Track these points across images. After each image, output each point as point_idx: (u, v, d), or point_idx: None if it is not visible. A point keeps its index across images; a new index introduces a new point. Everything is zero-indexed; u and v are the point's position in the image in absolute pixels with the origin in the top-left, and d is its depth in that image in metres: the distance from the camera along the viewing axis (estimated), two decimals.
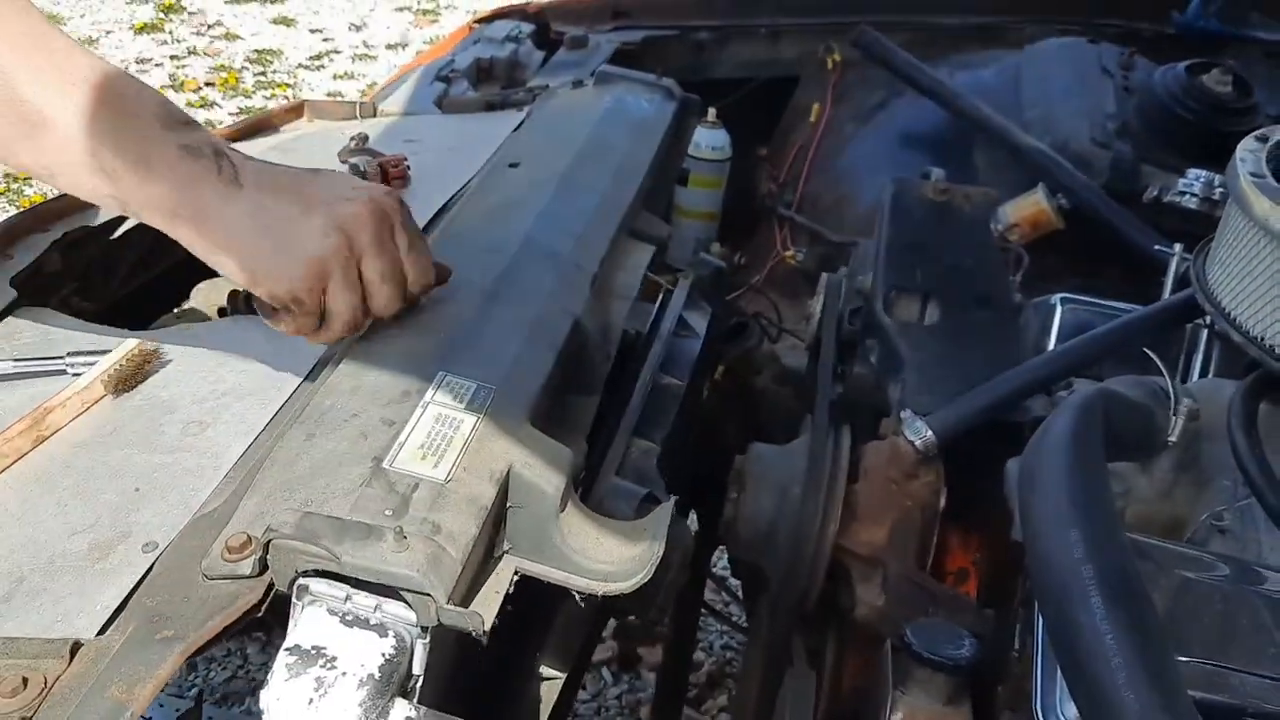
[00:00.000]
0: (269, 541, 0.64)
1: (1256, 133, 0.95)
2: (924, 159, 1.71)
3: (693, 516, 1.58)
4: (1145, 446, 0.95)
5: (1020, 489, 0.84)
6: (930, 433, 1.05)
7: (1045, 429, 0.82)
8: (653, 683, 2.26)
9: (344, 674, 0.60)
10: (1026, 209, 1.49)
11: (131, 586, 0.69)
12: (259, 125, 1.48)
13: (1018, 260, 1.34)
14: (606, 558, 0.74)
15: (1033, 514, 0.77)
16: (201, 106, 5.13)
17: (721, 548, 1.30)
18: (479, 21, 1.96)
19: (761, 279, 1.75)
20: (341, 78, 5.68)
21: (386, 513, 0.67)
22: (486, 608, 0.69)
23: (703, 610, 1.78)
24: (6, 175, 4.26)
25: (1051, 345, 1.22)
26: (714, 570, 1.76)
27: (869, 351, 1.17)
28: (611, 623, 2.16)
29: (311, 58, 5.92)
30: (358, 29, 6.46)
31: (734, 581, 1.90)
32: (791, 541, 1.04)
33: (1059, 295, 1.24)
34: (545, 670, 0.95)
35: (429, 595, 0.63)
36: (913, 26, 1.86)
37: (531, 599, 0.76)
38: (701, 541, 1.50)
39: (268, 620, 0.68)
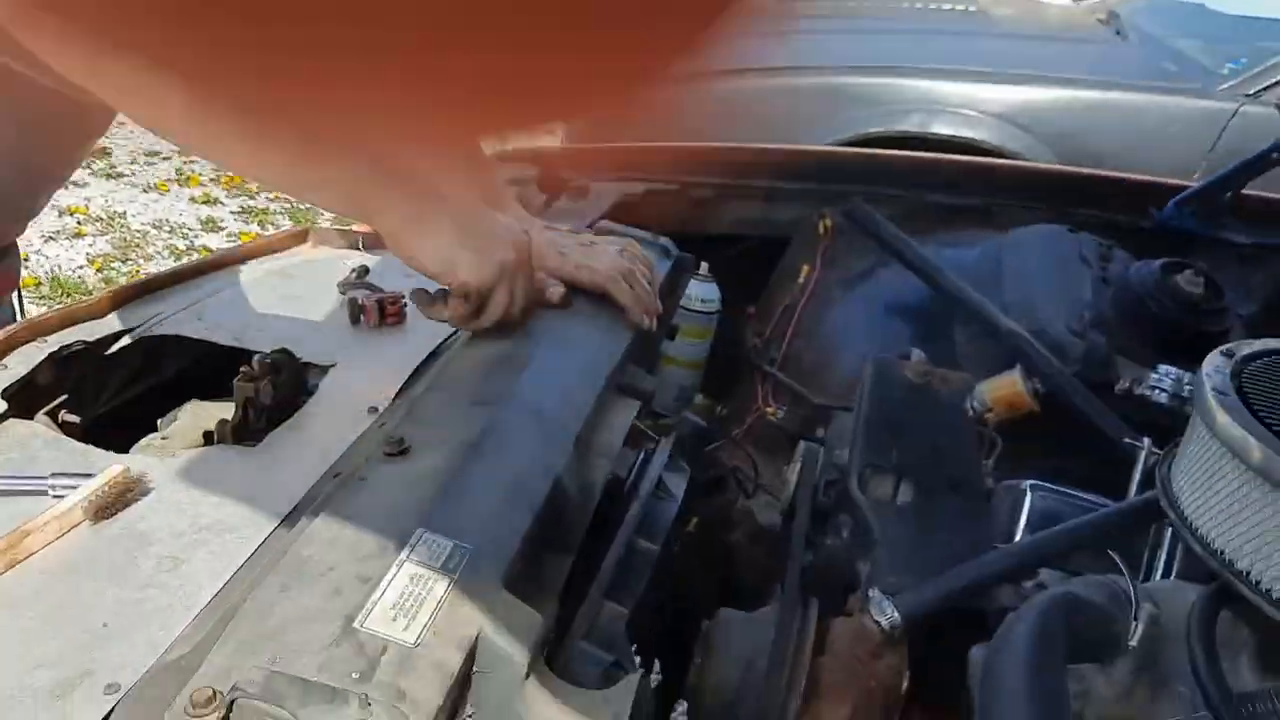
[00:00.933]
0: (234, 700, 0.64)
1: (1223, 348, 0.99)
2: (906, 331, 1.76)
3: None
4: (1105, 649, 0.96)
5: (981, 692, 0.85)
6: (896, 614, 1.06)
7: (1005, 635, 0.83)
8: None
9: None
10: (1003, 389, 1.53)
11: None
12: (263, 249, 1.51)
13: (991, 444, 1.37)
14: None
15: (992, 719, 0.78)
16: (205, 203, 5.21)
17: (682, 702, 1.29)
18: None
19: (741, 433, 1.77)
20: None
21: (353, 675, 0.67)
22: None
23: None
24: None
25: (1020, 531, 1.25)
26: None
27: (842, 525, 1.19)
28: None
29: None
30: None
31: None
32: (754, 717, 1.04)
33: (1029, 482, 1.27)
34: None
35: None
36: (904, 201, 1.93)
37: None
38: (663, 695, 1.48)
39: None
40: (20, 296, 1.51)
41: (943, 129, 3.68)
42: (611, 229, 1.48)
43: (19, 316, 1.47)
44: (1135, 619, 0.96)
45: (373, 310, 1.29)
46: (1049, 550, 1.09)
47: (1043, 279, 1.69)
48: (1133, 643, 0.97)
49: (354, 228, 1.59)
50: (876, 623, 1.07)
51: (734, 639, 1.11)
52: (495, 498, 0.88)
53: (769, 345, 1.86)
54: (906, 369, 1.24)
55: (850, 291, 1.86)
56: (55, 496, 0.92)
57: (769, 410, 1.75)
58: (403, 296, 1.31)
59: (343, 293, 1.36)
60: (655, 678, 1.58)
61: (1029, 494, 1.25)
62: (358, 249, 1.57)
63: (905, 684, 1.08)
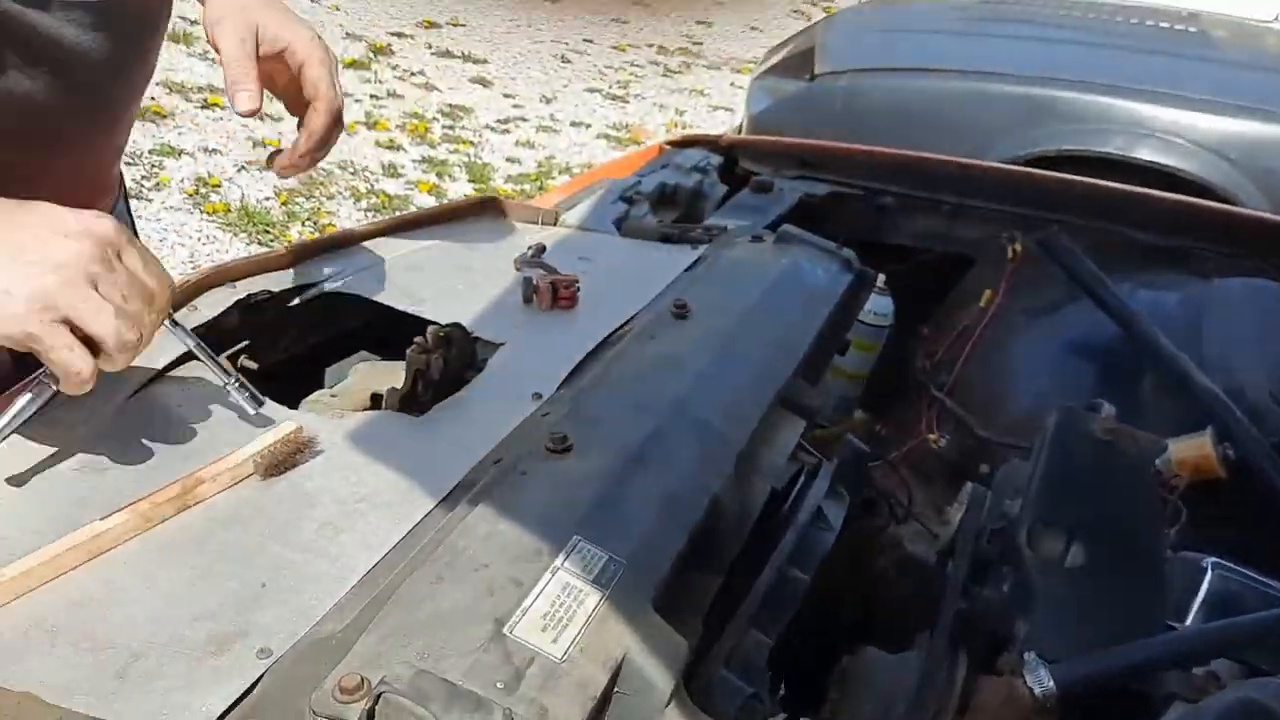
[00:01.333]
0: (380, 694, 0.64)
1: None
2: (1090, 374, 1.67)
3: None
4: None
5: None
6: (1052, 683, 1.00)
7: None
8: None
9: None
10: (1190, 451, 1.43)
11: (239, 694, 0.70)
12: (446, 214, 1.53)
13: (1175, 513, 1.28)
14: None
15: None
16: (389, 148, 5.37)
17: None
18: (670, 144, 2.00)
19: (899, 456, 1.71)
20: (523, 145, 5.89)
21: (499, 685, 0.66)
22: None
23: None
24: (199, 179, 4.50)
25: (1194, 611, 1.16)
26: None
27: (1003, 579, 1.12)
28: None
29: (499, 120, 6.16)
30: (547, 101, 6.70)
31: None
32: None
33: (1210, 560, 1.18)
34: None
35: None
36: (1101, 232, 1.83)
37: None
38: (789, 709, 1.45)
39: None
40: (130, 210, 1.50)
41: (1146, 155, 3.49)
42: (793, 235, 1.44)
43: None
44: None
45: (546, 292, 1.28)
46: (1230, 641, 1.01)
47: (1247, 337, 1.57)
48: None
49: (535, 203, 1.60)
50: (1030, 689, 1.01)
51: (875, 679, 1.07)
52: (652, 512, 0.86)
53: (939, 368, 1.79)
54: (1094, 423, 1.17)
55: (1034, 323, 1.77)
56: (230, 387, 0.98)
57: (931, 437, 1.69)
58: (577, 280, 1.30)
59: (518, 270, 1.36)
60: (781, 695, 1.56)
61: (1209, 572, 1.16)
62: (536, 224, 1.57)
63: None
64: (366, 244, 1.40)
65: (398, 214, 1.47)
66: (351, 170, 5.03)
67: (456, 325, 1.16)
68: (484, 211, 1.57)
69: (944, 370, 1.78)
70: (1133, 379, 1.57)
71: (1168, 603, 1.16)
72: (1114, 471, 1.14)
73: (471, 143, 5.74)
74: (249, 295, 1.20)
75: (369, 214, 4.63)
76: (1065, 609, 1.07)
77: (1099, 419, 1.16)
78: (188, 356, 1.07)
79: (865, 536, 1.46)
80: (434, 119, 5.93)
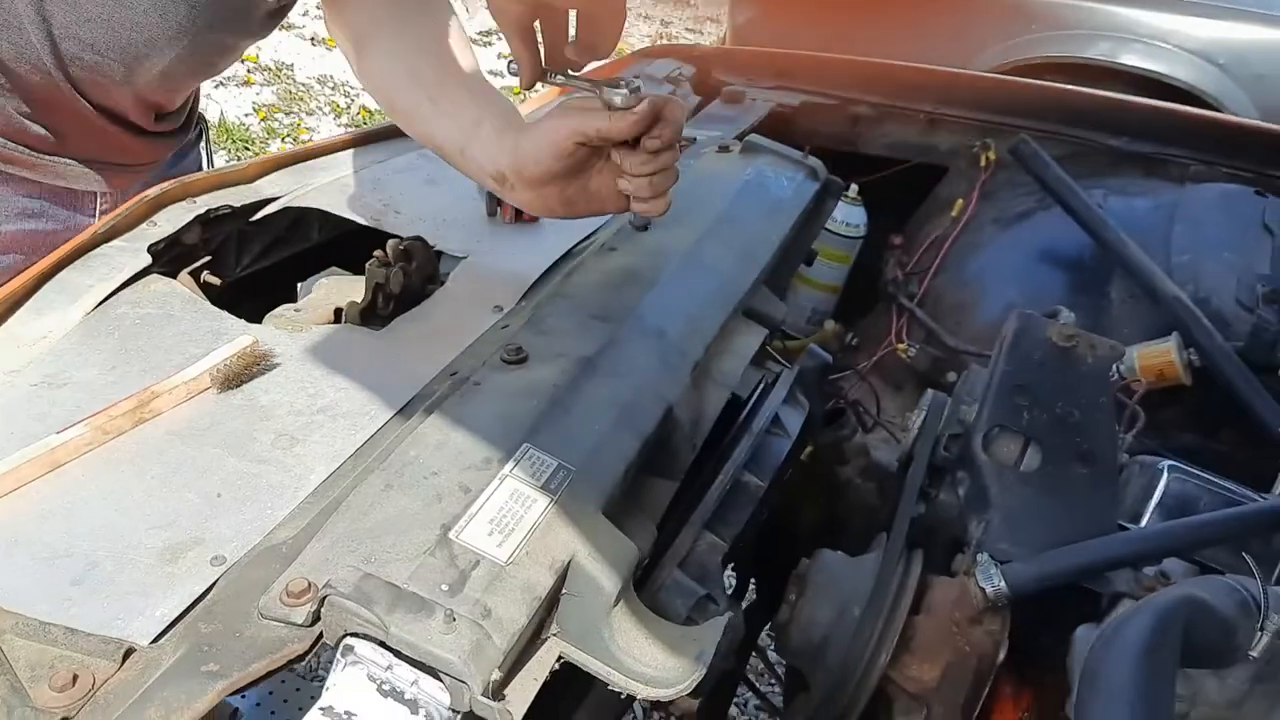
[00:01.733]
0: (325, 597, 0.65)
1: None
2: (1058, 282, 1.67)
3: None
4: (1223, 658, 0.91)
5: (1082, 683, 0.81)
6: (1004, 583, 1.02)
7: (1118, 630, 0.79)
8: None
9: None
10: (1155, 358, 1.44)
11: (192, 600, 0.72)
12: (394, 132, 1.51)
13: (1132, 418, 1.30)
14: (651, 661, 0.73)
15: (1089, 718, 0.74)
16: None
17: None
18: (642, 54, 1.97)
19: (868, 366, 1.73)
20: (507, 57, 5.78)
21: (443, 587, 0.68)
22: (521, 694, 0.70)
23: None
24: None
25: (1150, 513, 1.18)
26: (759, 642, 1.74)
27: (959, 482, 1.14)
28: None
29: (480, 33, 6.06)
30: None
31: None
32: (840, 662, 1.03)
33: (1166, 462, 1.19)
34: None
35: (465, 683, 0.64)
36: (1074, 140, 1.81)
37: (568, 675, 0.76)
38: (755, 615, 1.49)
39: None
40: (210, 148, 1.53)
41: (1132, 60, 3.44)
42: (759, 145, 1.43)
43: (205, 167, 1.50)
44: (1261, 629, 0.90)
45: (509, 206, 1.27)
46: (1180, 541, 1.03)
47: (1216, 243, 1.57)
48: (1254, 653, 0.91)
49: None
50: (981, 589, 1.03)
51: (831, 581, 1.09)
52: (605, 420, 0.87)
53: (910, 279, 1.79)
54: (1052, 329, 1.17)
55: (1004, 232, 1.77)
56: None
57: (901, 347, 1.70)
58: None
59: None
60: (750, 598, 1.59)
61: (1165, 474, 1.18)
62: None
63: (1001, 654, 1.05)
64: (332, 158, 1.39)
65: (363, 128, 1.45)
66: (331, 85, 4.95)
67: (417, 239, 1.16)
68: None
69: (915, 280, 1.78)
70: (1101, 286, 1.58)
71: (1121, 505, 1.18)
72: (1071, 377, 1.15)
73: None
74: (208, 210, 1.19)
75: (350, 129, 4.57)
76: (1019, 512, 1.09)
77: (1057, 325, 1.17)
78: (144, 273, 1.07)
79: (832, 444, 1.48)
80: None
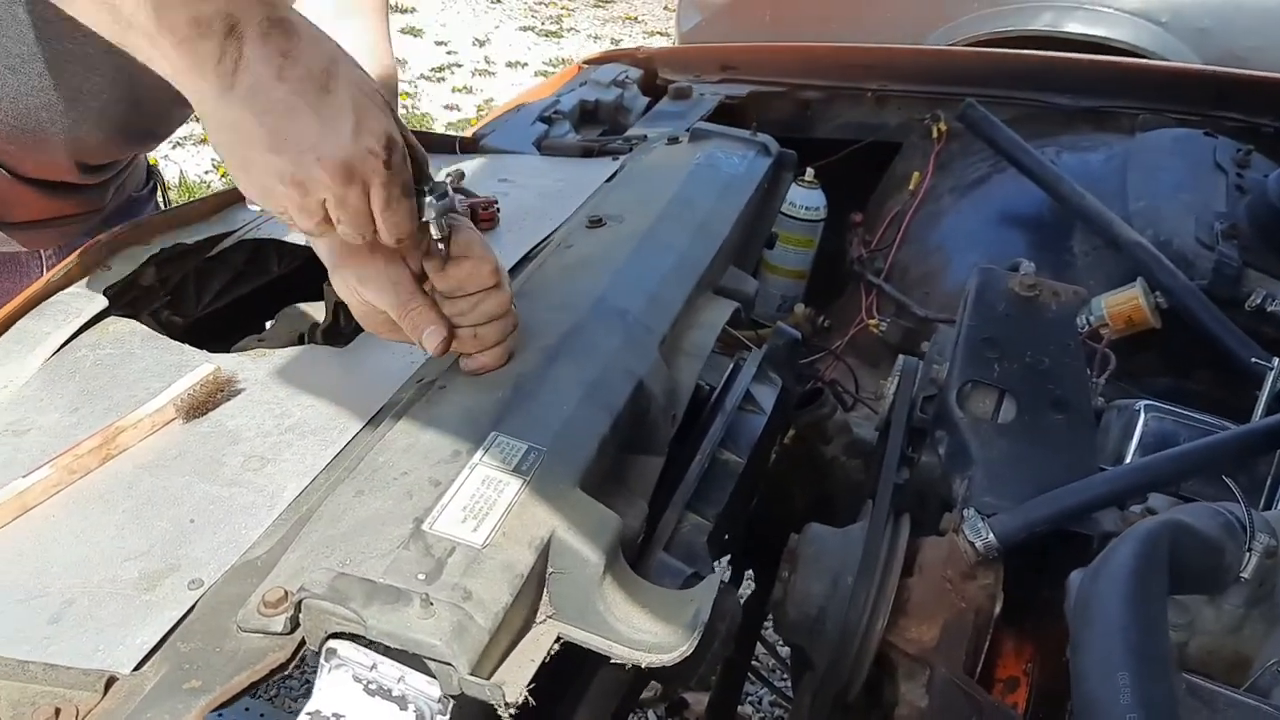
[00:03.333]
0: (300, 601, 0.65)
1: None
2: (1020, 241, 1.68)
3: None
4: (1214, 581, 0.90)
5: (1074, 618, 0.81)
6: (992, 535, 1.02)
7: (1104, 561, 0.79)
8: None
9: None
10: (1122, 304, 1.45)
11: (171, 625, 0.71)
12: None
13: (1104, 361, 1.30)
14: (650, 628, 0.73)
15: (1083, 650, 0.74)
16: None
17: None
18: (588, 63, 1.98)
19: (843, 345, 1.73)
20: (460, 91, 5.81)
21: (419, 576, 0.67)
22: (517, 675, 0.69)
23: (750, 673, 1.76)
24: None
25: (1131, 453, 1.18)
26: (764, 634, 1.74)
27: (938, 442, 1.14)
28: None
29: (434, 69, 6.07)
30: (481, 44, 6.60)
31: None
32: (838, 632, 1.02)
33: (1143, 402, 1.20)
34: None
35: (450, 665, 0.63)
36: (1022, 103, 1.83)
37: (570, 661, 0.76)
38: (756, 604, 1.48)
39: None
40: (166, 200, 1.52)
41: (1076, 27, 3.47)
42: (707, 130, 1.43)
43: None
44: (1249, 549, 0.90)
45: (465, 214, 1.27)
46: (1161, 474, 1.03)
47: (1171, 187, 1.59)
48: (1245, 575, 0.91)
49: (451, 133, 1.58)
50: (970, 543, 1.03)
51: (821, 553, 1.09)
52: (572, 400, 0.87)
53: (875, 255, 1.80)
54: (1013, 281, 1.18)
55: (962, 199, 1.77)
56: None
57: (872, 322, 1.70)
58: (495, 201, 1.30)
59: None
60: (748, 588, 1.58)
61: (1142, 414, 1.19)
62: (454, 152, 1.55)
63: (998, 607, 1.04)
64: None
65: None
66: None
67: None
68: None
69: (879, 257, 1.79)
70: (1062, 240, 1.59)
71: (1103, 449, 1.19)
72: (1038, 326, 1.15)
73: (407, 94, 5.65)
74: (162, 249, 1.18)
75: None
76: (1001, 464, 1.09)
77: (1018, 276, 1.18)
78: (101, 316, 1.07)
79: (814, 424, 1.48)
80: None
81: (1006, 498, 1.05)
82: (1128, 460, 1.18)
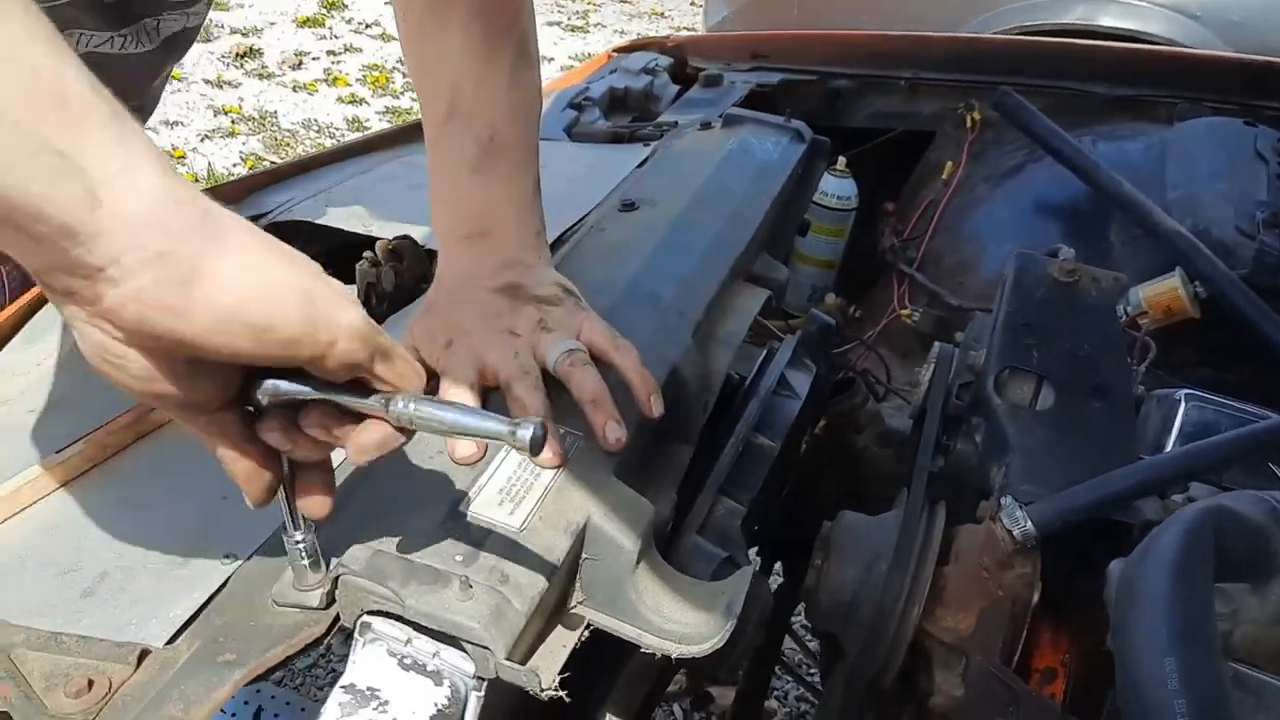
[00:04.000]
0: (338, 576, 0.64)
1: None
2: (1056, 231, 1.66)
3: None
4: (1259, 569, 0.88)
5: (1118, 604, 0.79)
6: (1030, 524, 1.00)
7: (1149, 544, 0.78)
8: None
9: (395, 719, 0.60)
10: (1161, 294, 1.43)
11: (205, 599, 0.70)
12: (395, 137, 1.51)
13: (1144, 349, 1.28)
14: (682, 618, 0.72)
15: (1128, 635, 0.73)
16: (351, 103, 5.30)
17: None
18: (618, 51, 1.97)
19: (874, 335, 1.71)
20: None
21: (457, 558, 0.66)
22: (550, 661, 0.69)
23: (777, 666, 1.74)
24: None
25: (1172, 443, 1.16)
26: (793, 625, 1.72)
27: (974, 430, 1.13)
28: None
29: None
30: None
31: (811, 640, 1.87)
32: (872, 619, 1.01)
33: (1184, 391, 1.18)
34: None
35: (488, 649, 0.62)
36: (1058, 91, 1.80)
37: (599, 649, 0.75)
38: (785, 596, 1.47)
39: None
40: None
41: (1109, 21, 3.44)
42: (740, 116, 1.42)
43: None
44: None
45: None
46: (1203, 462, 1.01)
47: (1210, 175, 1.56)
48: None
49: None
50: (1008, 531, 1.02)
51: (855, 540, 1.07)
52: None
53: (907, 245, 1.78)
54: (1053, 266, 1.16)
55: (997, 189, 1.75)
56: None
57: (904, 312, 1.68)
58: None
59: None
60: (777, 579, 1.57)
61: (1183, 403, 1.16)
62: None
63: (1036, 596, 1.03)
64: (314, 173, 1.39)
65: (342, 142, 1.45)
66: (316, 128, 4.97)
67: (406, 238, 1.15)
68: None
69: (912, 246, 1.77)
70: (1100, 229, 1.57)
71: (1143, 439, 1.17)
72: (1077, 312, 1.13)
73: None
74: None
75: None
76: (1039, 452, 1.07)
77: (1058, 261, 1.16)
78: None
79: (845, 414, 1.46)
80: (394, 69, 5.84)
81: (1044, 485, 1.04)
82: (1168, 450, 1.16)
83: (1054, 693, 1.07)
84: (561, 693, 0.65)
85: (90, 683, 0.63)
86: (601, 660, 0.87)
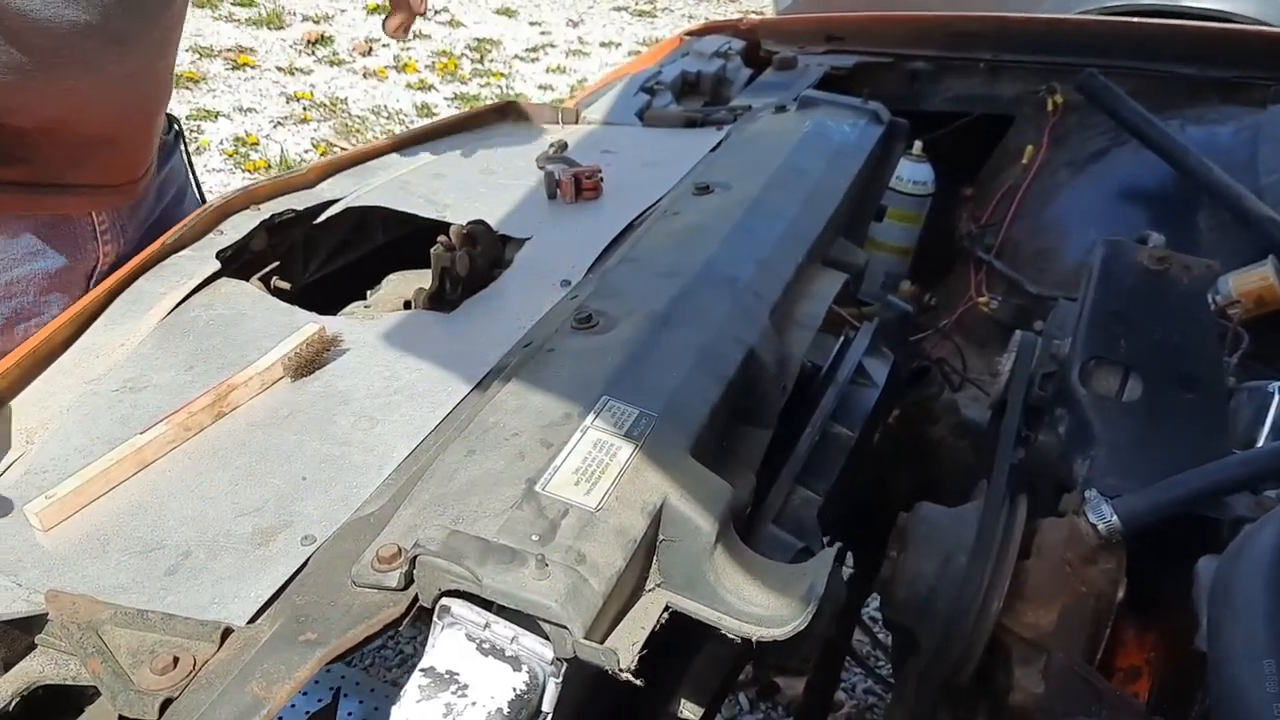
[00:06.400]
0: (415, 557, 0.64)
1: None
2: (1142, 217, 1.61)
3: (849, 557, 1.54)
4: None
5: (1212, 604, 0.77)
6: (1116, 518, 0.98)
7: (1246, 541, 0.75)
8: (788, 715, 2.22)
9: (474, 703, 0.60)
10: (1252, 283, 1.38)
11: (285, 579, 0.71)
12: (466, 121, 1.51)
13: (1235, 340, 1.23)
14: (761, 601, 0.71)
15: (1224, 635, 0.70)
16: (420, 89, 5.34)
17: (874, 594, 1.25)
18: (690, 34, 1.95)
19: (951, 323, 1.68)
20: (554, 71, 5.82)
21: (533, 537, 0.66)
22: (628, 642, 0.68)
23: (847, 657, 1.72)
24: (237, 139, 4.53)
25: (1264, 437, 1.12)
26: (863, 617, 1.70)
27: (1058, 421, 1.10)
28: None
29: (528, 49, 6.09)
30: (575, 25, 6.60)
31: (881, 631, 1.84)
32: (950, 613, 0.99)
33: (1278, 384, 1.13)
34: (682, 710, 0.93)
35: (565, 628, 0.61)
36: (1144, 74, 1.75)
37: (674, 635, 0.74)
38: (855, 588, 1.45)
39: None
40: (187, 149, 1.45)
41: (1196, 2, 3.33)
42: (816, 98, 1.40)
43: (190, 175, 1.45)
44: None
45: (569, 185, 1.26)
46: None
47: None
48: None
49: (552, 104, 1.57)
50: (1093, 525, 0.99)
51: (933, 532, 1.05)
52: (684, 367, 0.85)
53: (985, 231, 1.74)
54: (1142, 254, 1.12)
55: (1080, 173, 1.71)
56: None
57: (981, 300, 1.65)
58: (599, 170, 1.28)
59: (541, 167, 1.35)
60: (848, 570, 1.55)
61: (1276, 396, 1.12)
62: (557, 124, 1.54)
63: (1121, 593, 1.00)
64: (389, 158, 1.39)
65: (414, 129, 1.45)
66: (386, 115, 5.01)
67: (480, 222, 1.15)
68: (504, 116, 1.55)
69: (990, 232, 1.73)
70: (1187, 215, 1.52)
71: (1233, 429, 1.13)
72: (1167, 300, 1.10)
73: (502, 74, 5.69)
74: (273, 216, 1.19)
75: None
76: (1125, 445, 1.04)
77: (1147, 249, 1.12)
78: (213, 278, 1.08)
79: (920, 404, 1.44)
80: (462, 55, 5.87)
81: (1131, 479, 1.01)
82: (1259, 445, 1.12)
83: (1137, 691, 1.04)
84: (638, 680, 0.64)
85: (175, 659, 0.64)
86: (675, 646, 0.86)
